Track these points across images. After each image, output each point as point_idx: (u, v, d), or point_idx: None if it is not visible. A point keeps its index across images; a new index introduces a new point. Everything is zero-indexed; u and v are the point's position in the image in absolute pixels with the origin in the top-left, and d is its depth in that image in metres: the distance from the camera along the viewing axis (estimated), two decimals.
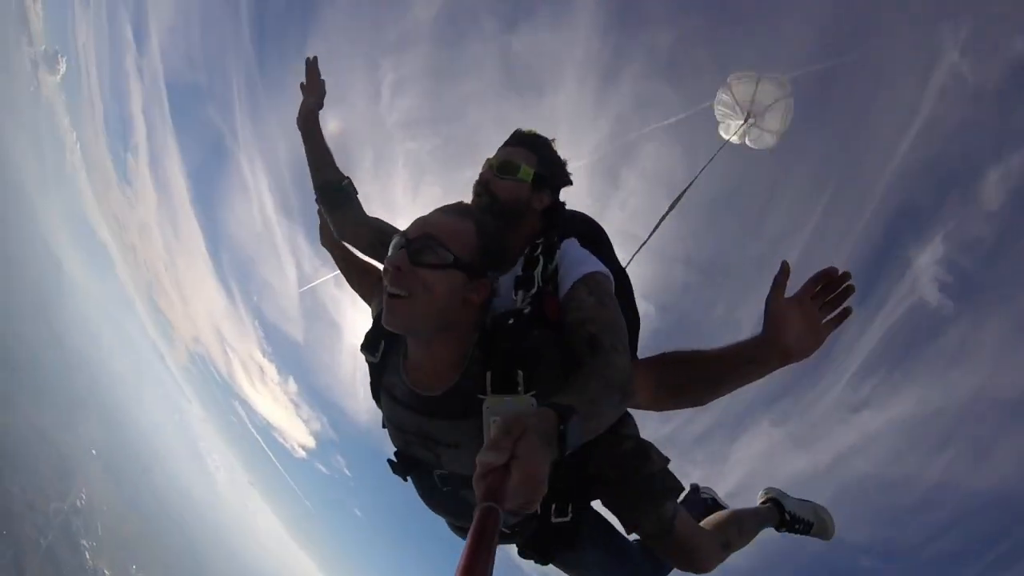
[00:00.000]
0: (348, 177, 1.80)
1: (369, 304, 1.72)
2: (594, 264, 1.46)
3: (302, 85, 1.88)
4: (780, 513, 2.22)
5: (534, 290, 1.39)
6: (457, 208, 1.31)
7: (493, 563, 0.61)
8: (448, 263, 1.18)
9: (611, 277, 1.47)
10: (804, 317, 1.48)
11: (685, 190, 4.51)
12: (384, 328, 1.24)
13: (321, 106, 1.87)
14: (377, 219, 1.81)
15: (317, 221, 2.05)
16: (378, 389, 1.43)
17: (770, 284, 1.50)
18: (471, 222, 1.26)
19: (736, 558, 1.93)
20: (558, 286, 1.42)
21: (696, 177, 4.84)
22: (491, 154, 1.64)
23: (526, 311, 1.32)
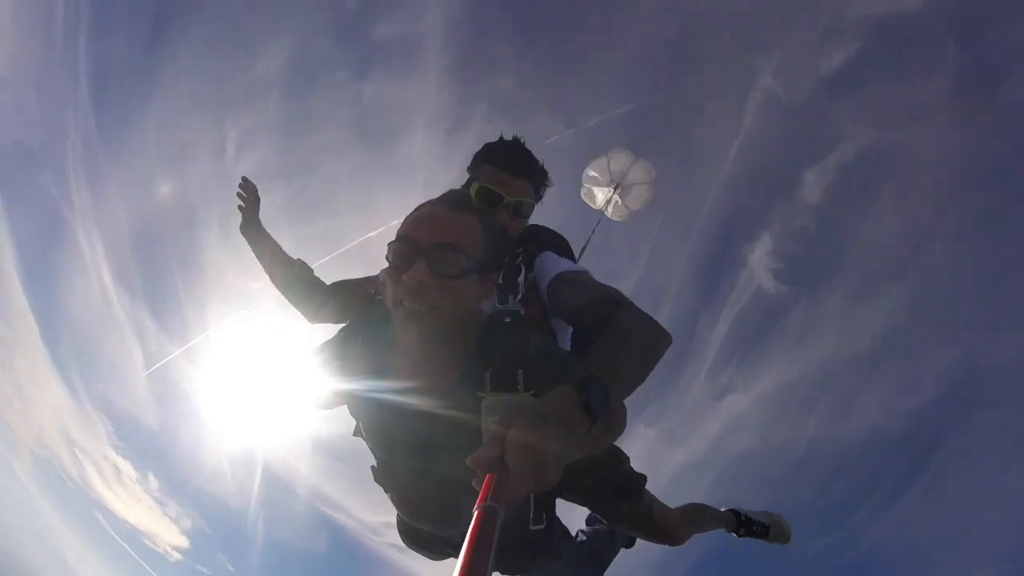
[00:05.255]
0: (299, 260, 1.80)
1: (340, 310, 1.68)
2: (568, 264, 1.60)
3: (240, 199, 1.85)
4: (737, 517, 2.41)
5: (520, 295, 1.45)
6: (459, 201, 1.22)
7: (492, 565, 0.57)
8: (469, 269, 1.12)
9: (586, 271, 1.56)
10: None
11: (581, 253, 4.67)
12: (362, 327, 1.24)
13: (257, 211, 1.87)
14: (337, 284, 1.76)
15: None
16: (352, 396, 1.33)
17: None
18: (476, 217, 1.19)
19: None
20: (538, 293, 1.53)
21: (586, 244, 5.04)
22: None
23: (521, 312, 1.32)
